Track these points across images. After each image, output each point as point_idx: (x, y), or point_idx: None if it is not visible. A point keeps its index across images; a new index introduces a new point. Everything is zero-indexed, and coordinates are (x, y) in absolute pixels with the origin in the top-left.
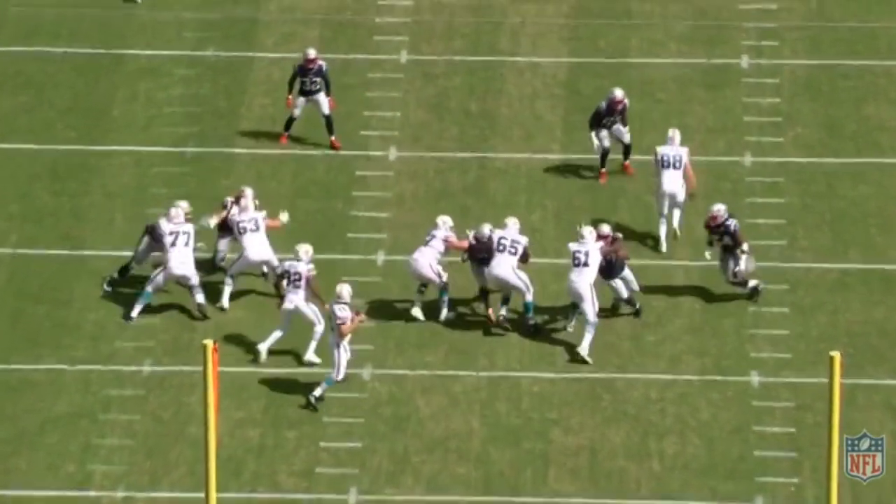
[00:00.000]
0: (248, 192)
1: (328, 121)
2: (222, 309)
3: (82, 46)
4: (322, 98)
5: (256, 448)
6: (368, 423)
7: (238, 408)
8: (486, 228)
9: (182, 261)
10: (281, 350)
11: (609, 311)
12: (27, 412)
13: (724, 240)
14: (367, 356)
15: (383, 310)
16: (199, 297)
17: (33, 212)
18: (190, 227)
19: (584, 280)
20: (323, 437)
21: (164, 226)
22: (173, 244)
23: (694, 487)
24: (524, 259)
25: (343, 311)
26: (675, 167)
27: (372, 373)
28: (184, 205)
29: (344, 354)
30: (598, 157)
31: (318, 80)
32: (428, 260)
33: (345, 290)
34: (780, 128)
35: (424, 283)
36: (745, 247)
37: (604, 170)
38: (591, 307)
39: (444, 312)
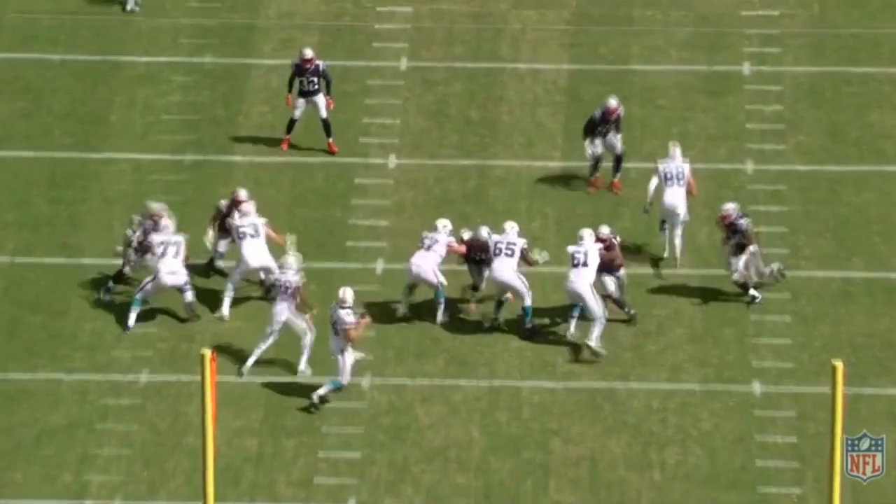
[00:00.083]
0: (242, 192)
1: (325, 124)
2: (222, 318)
3: (80, 53)
4: (320, 99)
5: (254, 457)
6: (368, 433)
7: (236, 417)
8: (484, 231)
9: (172, 271)
10: (279, 359)
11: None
12: (23, 422)
13: (736, 238)
14: (366, 365)
15: (383, 318)
16: (189, 296)
17: (30, 219)
18: (180, 238)
19: (583, 280)
20: (322, 446)
21: (154, 237)
22: (163, 255)
23: (696, 498)
24: (525, 259)
25: (349, 316)
26: (678, 183)
27: (371, 382)
28: (156, 206)
29: (349, 357)
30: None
31: (316, 80)
32: (431, 266)
33: (348, 294)
34: (783, 135)
35: (415, 286)
36: (751, 248)
37: (593, 178)
38: (594, 304)
39: (441, 315)
